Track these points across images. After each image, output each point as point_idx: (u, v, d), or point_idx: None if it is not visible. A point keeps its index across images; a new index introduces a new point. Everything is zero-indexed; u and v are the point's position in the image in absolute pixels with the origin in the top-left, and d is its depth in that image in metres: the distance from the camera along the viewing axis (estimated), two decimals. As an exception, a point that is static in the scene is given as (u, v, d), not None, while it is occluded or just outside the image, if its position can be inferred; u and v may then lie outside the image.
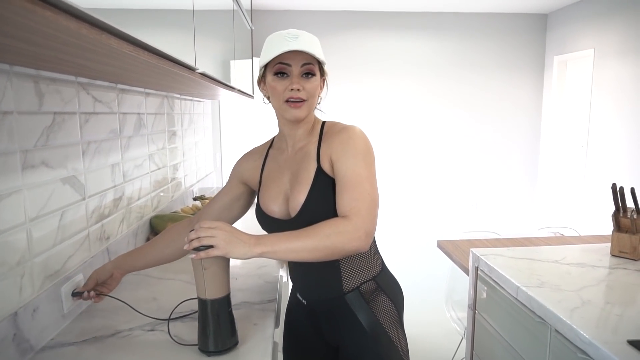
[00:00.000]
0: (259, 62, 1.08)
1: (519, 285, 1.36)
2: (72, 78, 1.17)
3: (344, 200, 0.97)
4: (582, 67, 4.07)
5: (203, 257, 0.89)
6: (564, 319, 1.15)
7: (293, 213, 1.05)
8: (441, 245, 2.18)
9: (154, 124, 1.85)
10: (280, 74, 1.02)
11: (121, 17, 0.72)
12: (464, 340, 1.95)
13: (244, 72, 2.59)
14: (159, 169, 1.90)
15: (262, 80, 1.09)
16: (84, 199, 1.23)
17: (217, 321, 0.95)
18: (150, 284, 1.38)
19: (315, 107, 1.12)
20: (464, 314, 2.06)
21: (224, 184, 1.26)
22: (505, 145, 4.74)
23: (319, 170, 1.04)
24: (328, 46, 4.41)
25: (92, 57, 0.81)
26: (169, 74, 1.15)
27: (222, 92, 1.97)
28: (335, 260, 1.08)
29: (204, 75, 1.31)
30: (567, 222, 4.12)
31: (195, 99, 2.58)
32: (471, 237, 2.30)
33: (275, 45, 1.00)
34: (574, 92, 4.26)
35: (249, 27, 2.67)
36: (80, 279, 1.17)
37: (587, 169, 3.91)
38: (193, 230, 0.91)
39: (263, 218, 1.12)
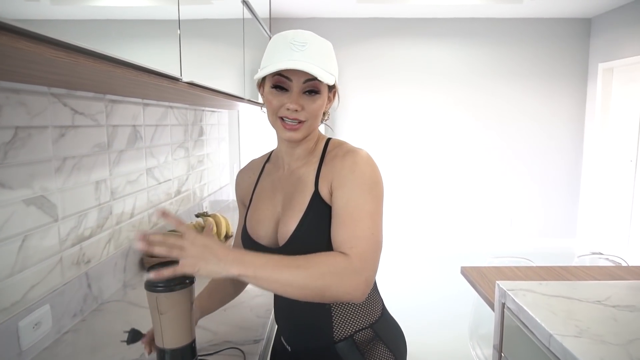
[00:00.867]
0: (261, 63, 0.93)
1: (551, 332, 1.14)
2: (44, 89, 1.07)
3: (342, 235, 0.81)
4: (630, 74, 3.74)
5: (166, 277, 0.74)
6: (608, 382, 0.94)
7: (281, 242, 0.90)
8: (465, 273, 1.96)
9: (155, 136, 1.74)
10: (279, 87, 0.87)
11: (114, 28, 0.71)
12: (490, 383, 1.72)
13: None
14: (159, 183, 1.79)
15: (261, 85, 0.94)
16: (55, 220, 1.12)
17: (177, 376, 0.80)
18: (127, 313, 1.25)
19: (322, 123, 0.97)
20: (490, 352, 1.83)
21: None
22: (543, 160, 4.42)
23: (316, 196, 0.89)
24: (348, 55, 4.26)
25: (50, 69, 0.71)
26: (149, 85, 1.03)
27: (236, 102, 1.85)
28: (327, 302, 0.92)
29: (192, 84, 1.18)
30: (611, 248, 3.77)
31: (207, 109, 2.49)
32: (500, 263, 2.07)
33: (278, 52, 0.86)
34: (621, 102, 3.91)
35: (266, 35, 2.56)
36: (45, 310, 1.06)
37: (636, 186, 3.55)
38: (145, 234, 0.75)
39: (247, 242, 0.98)
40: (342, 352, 0.92)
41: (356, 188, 0.84)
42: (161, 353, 0.80)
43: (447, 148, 4.42)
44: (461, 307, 2.79)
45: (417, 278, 3.83)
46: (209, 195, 2.55)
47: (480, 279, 1.82)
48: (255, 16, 2.12)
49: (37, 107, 1.04)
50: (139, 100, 1.60)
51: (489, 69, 4.29)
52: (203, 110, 2.40)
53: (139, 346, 0.92)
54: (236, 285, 1.11)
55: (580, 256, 2.04)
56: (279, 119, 0.89)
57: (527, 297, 1.37)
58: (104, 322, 1.19)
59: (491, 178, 4.45)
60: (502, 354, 1.48)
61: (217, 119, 2.71)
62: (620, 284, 1.50)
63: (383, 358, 0.93)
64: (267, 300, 1.34)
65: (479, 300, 2.01)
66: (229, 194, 3.06)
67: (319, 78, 0.83)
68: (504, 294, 1.46)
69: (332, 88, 0.93)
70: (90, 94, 1.28)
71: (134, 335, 0.87)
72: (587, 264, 2.09)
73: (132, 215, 1.56)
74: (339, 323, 0.92)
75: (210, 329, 1.13)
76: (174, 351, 0.80)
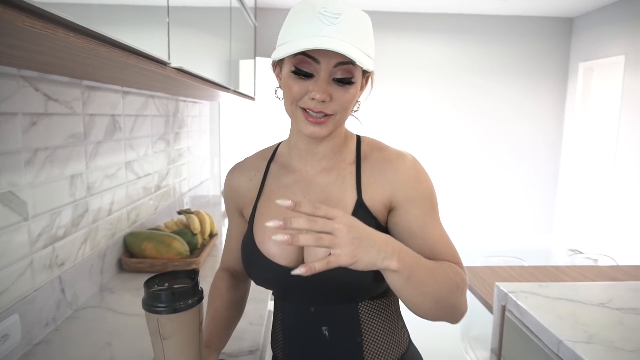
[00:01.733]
0: (278, 38, 0.73)
1: (561, 338, 1.10)
2: (13, 70, 0.94)
3: (441, 256, 0.75)
4: (610, 74, 3.79)
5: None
6: (625, 391, 0.89)
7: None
8: (458, 272, 1.92)
9: (135, 127, 1.62)
10: (302, 71, 0.68)
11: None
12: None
13: (247, 72, 2.36)
14: (138, 178, 1.67)
15: (278, 64, 0.75)
16: (25, 219, 0.99)
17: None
18: (104, 320, 1.14)
19: (351, 114, 0.79)
20: (484, 354, 1.80)
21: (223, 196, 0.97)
22: (522, 157, 4.46)
23: (360, 205, 0.74)
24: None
25: (20, 44, 0.59)
26: (133, 69, 0.92)
27: (221, 92, 1.74)
28: (357, 334, 0.78)
29: (181, 70, 1.07)
30: (587, 245, 3.83)
31: (189, 99, 2.36)
32: (492, 262, 2.03)
33: (303, 24, 0.66)
34: (600, 101, 3.97)
35: (251, 24, 2.45)
36: (14, 321, 0.94)
37: (614, 185, 3.61)
38: (285, 219, 0.57)
39: (258, 261, 0.79)
40: None
41: (430, 211, 0.76)
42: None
43: (427, 145, 4.40)
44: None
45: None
46: (190, 190, 2.43)
47: (475, 280, 1.78)
48: (242, 4, 2.01)
49: (4, 91, 0.92)
50: (119, 87, 1.47)
51: (474, 65, 4.28)
52: (185, 100, 2.28)
53: (120, 356, 0.82)
54: (238, 307, 0.93)
55: (570, 255, 2.03)
56: (300, 109, 0.71)
57: (529, 300, 1.33)
58: (79, 331, 1.08)
59: (474, 174, 4.46)
60: (502, 358, 1.44)
61: (198, 111, 2.58)
62: (619, 285, 1.48)
63: None
64: (257, 306, 1.24)
65: (471, 301, 1.97)
66: (209, 189, 2.94)
67: (357, 62, 0.65)
68: (504, 296, 1.41)
69: (365, 72, 0.74)
70: (66, 79, 1.15)
71: None
72: (578, 264, 2.09)
73: (109, 213, 1.43)
74: (371, 358, 0.79)
75: (200, 338, 1.03)
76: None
